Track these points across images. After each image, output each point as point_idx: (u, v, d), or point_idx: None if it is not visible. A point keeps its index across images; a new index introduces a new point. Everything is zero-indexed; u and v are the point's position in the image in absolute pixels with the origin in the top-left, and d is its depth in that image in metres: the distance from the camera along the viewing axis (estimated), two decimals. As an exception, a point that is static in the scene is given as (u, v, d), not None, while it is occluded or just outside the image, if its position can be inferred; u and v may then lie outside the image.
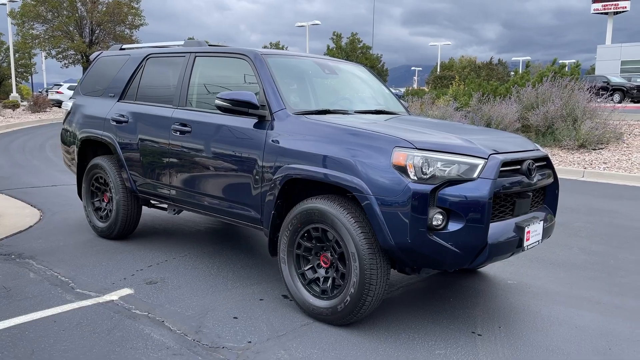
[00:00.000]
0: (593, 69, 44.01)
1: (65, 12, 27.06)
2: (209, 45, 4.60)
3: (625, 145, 12.53)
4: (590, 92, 13.01)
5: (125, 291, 3.88)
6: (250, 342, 3.12)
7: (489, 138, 3.53)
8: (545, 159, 3.65)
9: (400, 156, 3.01)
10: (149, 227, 5.68)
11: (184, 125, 4.25)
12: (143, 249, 4.91)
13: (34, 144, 14.13)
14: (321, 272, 3.43)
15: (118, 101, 5.03)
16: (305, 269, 3.49)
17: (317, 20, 41.05)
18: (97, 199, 5.30)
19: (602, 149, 12.27)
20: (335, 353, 3.00)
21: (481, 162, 3.05)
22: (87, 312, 3.50)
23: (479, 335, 3.29)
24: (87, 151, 5.40)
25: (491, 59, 29.09)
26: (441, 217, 2.98)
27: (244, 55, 4.10)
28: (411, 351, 3.05)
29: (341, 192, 3.40)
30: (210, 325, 3.32)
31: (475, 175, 3.02)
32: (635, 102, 25.39)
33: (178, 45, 4.88)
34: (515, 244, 3.21)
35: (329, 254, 3.38)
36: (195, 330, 3.25)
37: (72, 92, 29.09)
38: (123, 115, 4.85)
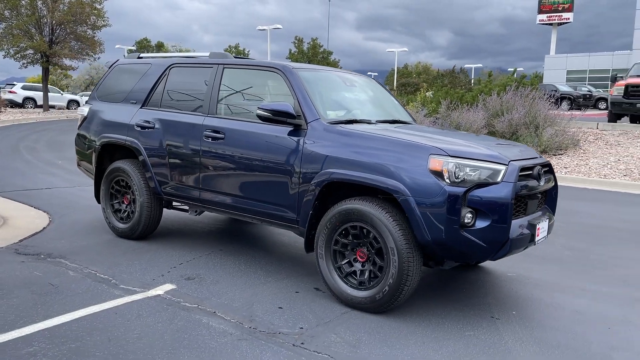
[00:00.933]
0: (539, 77, 46.04)
1: (24, 11, 26.40)
2: (236, 58, 4.94)
3: (582, 151, 13.47)
4: (549, 102, 13.93)
5: (168, 286, 4.17)
6: (302, 328, 3.49)
7: (502, 146, 4.03)
8: (548, 165, 4.18)
9: (436, 162, 3.46)
10: (164, 228, 5.93)
11: (217, 132, 4.58)
12: (167, 248, 5.18)
13: (6, 146, 13.91)
14: (357, 266, 3.83)
15: (141, 108, 5.29)
16: (342, 263, 3.88)
17: (277, 24, 41.31)
18: (117, 201, 5.53)
19: (562, 154, 13.16)
20: (380, 336, 3.41)
21: (503, 168, 3.53)
22: (142, 305, 3.78)
23: (497, 319, 3.77)
24: (106, 155, 5.62)
25: (454, 67, 30.39)
26: (471, 215, 3.44)
27: (276, 68, 4.47)
28: (444, 333, 3.49)
29: (373, 194, 3.82)
30: (260, 315, 3.67)
31: (499, 179, 3.49)
32: (579, 110, 26.93)
33: (202, 56, 5.19)
34: (528, 239, 3.71)
35: (365, 249, 3.78)
36: (248, 319, 3.59)
37: (26, 91, 28.34)
38: (148, 122, 5.12)
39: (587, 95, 32.71)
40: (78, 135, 5.90)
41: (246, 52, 50.33)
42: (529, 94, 13.85)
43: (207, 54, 5.18)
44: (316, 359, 3.09)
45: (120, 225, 5.45)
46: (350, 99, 4.78)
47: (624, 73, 17.70)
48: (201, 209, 4.97)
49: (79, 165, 6.06)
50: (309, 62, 42.67)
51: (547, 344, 3.39)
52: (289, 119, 4.09)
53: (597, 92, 35.10)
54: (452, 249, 3.49)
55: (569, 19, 26.94)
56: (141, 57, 5.81)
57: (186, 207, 5.30)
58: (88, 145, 5.73)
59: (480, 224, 3.45)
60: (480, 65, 67.15)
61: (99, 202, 5.74)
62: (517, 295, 4.30)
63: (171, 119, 4.99)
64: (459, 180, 3.43)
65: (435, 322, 3.67)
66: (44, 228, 5.83)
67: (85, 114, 5.81)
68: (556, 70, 46.52)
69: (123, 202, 5.49)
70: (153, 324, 3.47)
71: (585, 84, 39.75)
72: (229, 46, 49.27)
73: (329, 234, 3.89)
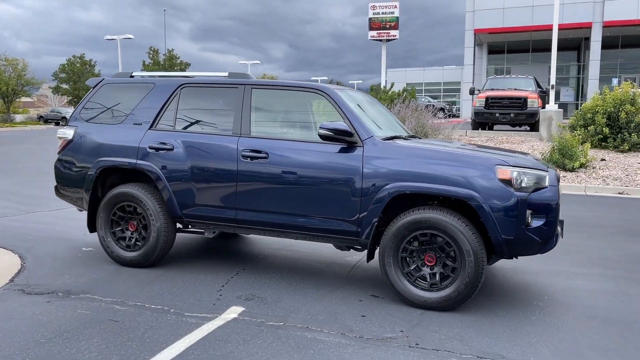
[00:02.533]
0: (413, 90, 49.86)
1: None
2: (263, 79, 5.02)
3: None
4: (432, 112, 15.46)
5: (237, 309, 4.14)
6: (402, 331, 3.77)
7: (526, 158, 4.68)
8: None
9: (504, 172, 3.98)
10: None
11: (257, 151, 4.62)
12: (187, 272, 5.04)
13: None
14: (426, 270, 4.20)
15: (150, 129, 5.08)
16: (411, 268, 4.23)
17: (128, 34, 39.39)
18: (119, 229, 5.22)
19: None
20: (472, 329, 3.82)
21: (546, 174, 4.17)
22: (234, 329, 3.75)
23: (540, 304, 4.39)
24: (102, 181, 5.27)
25: (331, 80, 31.76)
26: (530, 216, 4.02)
27: (319, 89, 4.67)
28: (516, 320, 4.01)
29: (439, 203, 4.24)
30: (353, 325, 3.87)
31: (546, 184, 4.12)
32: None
33: (218, 76, 5.16)
34: (561, 234, 4.41)
35: (434, 254, 4.17)
36: (348, 329, 3.78)
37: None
38: (165, 143, 4.95)
39: (431, 106, 36.34)
40: (60, 160, 5.43)
41: (92, 63, 47.17)
42: (417, 107, 15.23)
43: (225, 74, 5.16)
44: (442, 356, 3.41)
45: (127, 254, 5.15)
46: (375, 116, 5.12)
47: (457, 86, 20.12)
48: (233, 230, 4.93)
49: (59, 193, 5.56)
50: (166, 75, 41.46)
51: (588, 316, 4.09)
52: (347, 137, 4.34)
53: (437, 103, 39.16)
54: (517, 246, 4.04)
55: (395, 35, 30.07)
56: (134, 77, 5.54)
57: (199, 229, 5.20)
58: (77, 171, 5.31)
59: (536, 222, 4.05)
60: (326, 77, 70.46)
61: (92, 231, 5.35)
62: (529, 282, 4.99)
63: (195, 140, 4.90)
64: (522, 186, 4.00)
65: (499, 312, 4.18)
66: (23, 265, 5.26)
67: (70, 137, 5.38)
68: (397, 82, 50.74)
69: (128, 229, 5.20)
70: (267, 345, 3.50)
71: (422, 95, 43.93)
72: (73, 56, 45.71)
73: (397, 243, 4.20)
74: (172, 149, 4.93)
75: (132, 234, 5.19)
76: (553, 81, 16.61)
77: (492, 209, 3.95)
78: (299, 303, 4.29)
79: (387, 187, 4.20)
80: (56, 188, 5.57)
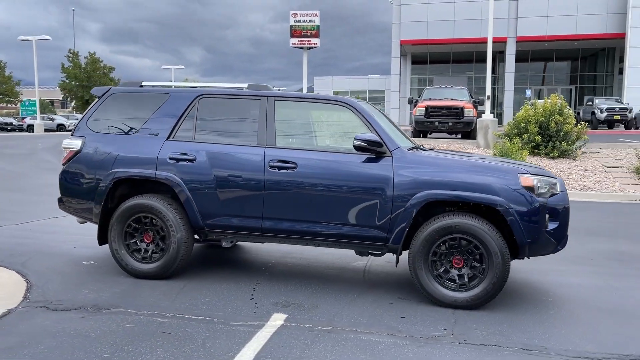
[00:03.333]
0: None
1: None
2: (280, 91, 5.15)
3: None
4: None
5: (280, 315, 4.25)
6: (445, 329, 4.05)
7: (535, 167, 5.10)
8: None
9: (527, 180, 4.38)
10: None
11: (285, 162, 4.75)
12: (211, 282, 5.05)
13: None
14: (454, 272, 4.52)
15: (168, 140, 5.06)
16: (440, 271, 4.52)
17: (45, 35, 37.36)
18: (133, 240, 5.14)
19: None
20: (506, 325, 4.17)
21: (557, 181, 4.63)
22: (289, 335, 3.86)
23: (549, 299, 4.83)
24: (114, 192, 5.17)
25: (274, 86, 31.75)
26: (548, 219, 4.44)
27: (345, 103, 4.89)
28: (538, 316, 4.40)
29: (466, 209, 4.57)
30: (397, 325, 4.10)
31: (558, 190, 4.57)
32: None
33: (236, 88, 5.23)
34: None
35: (462, 256, 4.49)
36: (396, 330, 4.00)
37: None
38: (186, 154, 4.95)
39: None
40: (67, 172, 5.26)
41: (2, 65, 44.10)
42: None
43: (244, 85, 5.24)
44: (492, 349, 3.71)
45: (144, 266, 5.08)
46: (390, 126, 5.38)
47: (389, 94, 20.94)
48: (257, 239, 5.01)
49: (64, 205, 5.37)
50: (89, 78, 39.59)
51: (595, 308, 4.57)
52: (378, 148, 4.58)
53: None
54: (537, 248, 4.45)
55: (316, 43, 30.73)
56: (143, 86, 5.47)
57: (216, 239, 5.22)
58: (86, 183, 5.17)
59: (552, 225, 4.48)
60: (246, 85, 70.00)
61: (101, 243, 5.22)
62: (532, 280, 5.45)
63: (220, 150, 4.94)
64: (541, 192, 4.42)
65: (520, 308, 4.56)
66: (29, 282, 5.03)
67: (78, 148, 5.23)
68: (324, 90, 51.60)
69: (143, 241, 5.13)
70: (331, 348, 3.66)
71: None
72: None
73: (428, 247, 4.48)
74: (194, 160, 4.94)
75: (147, 245, 5.13)
76: (489, 92, 17.69)
77: (518, 213, 4.33)
78: (336, 308, 4.46)
79: (418, 195, 4.47)
80: (60, 200, 5.38)
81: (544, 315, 4.39)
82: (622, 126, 29.14)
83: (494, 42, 36.50)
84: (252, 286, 4.98)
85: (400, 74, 39.82)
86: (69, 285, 4.92)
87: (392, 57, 39.30)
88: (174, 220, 4.98)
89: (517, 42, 36.39)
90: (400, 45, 38.44)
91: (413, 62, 42.31)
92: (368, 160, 4.66)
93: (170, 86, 5.48)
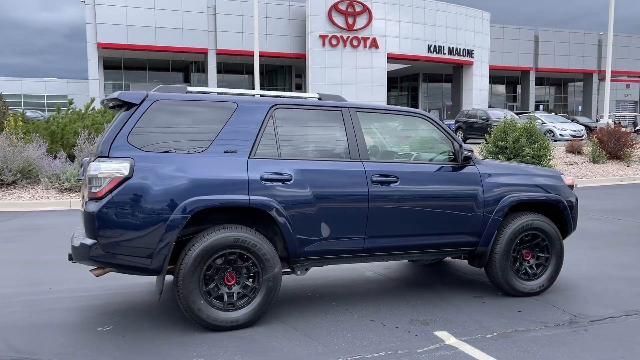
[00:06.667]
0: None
1: None
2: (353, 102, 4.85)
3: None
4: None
5: (443, 333, 4.15)
6: (566, 315, 4.65)
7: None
8: None
9: (568, 179, 5.34)
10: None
11: (387, 175, 4.56)
12: (313, 317, 4.42)
13: None
14: (525, 264, 5.14)
15: (250, 158, 4.21)
16: (519, 266, 5.08)
17: None
18: (213, 285, 4.10)
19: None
20: (590, 305, 5.02)
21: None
22: (489, 346, 3.89)
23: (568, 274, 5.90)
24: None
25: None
26: (572, 210, 5.50)
27: (420, 114, 4.94)
28: (584, 294, 5.39)
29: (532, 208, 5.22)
30: (533, 318, 4.50)
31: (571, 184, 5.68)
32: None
33: (307, 97, 4.67)
34: None
35: (529, 250, 5.14)
36: (538, 323, 4.40)
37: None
38: (281, 174, 4.23)
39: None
40: (112, 206, 3.80)
41: None
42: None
43: (315, 95, 4.71)
44: (609, 328, 4.41)
45: (231, 315, 4.11)
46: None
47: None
48: (356, 260, 4.61)
49: (99, 252, 3.83)
50: None
51: (605, 278, 5.86)
52: (472, 157, 4.87)
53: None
54: (570, 232, 5.44)
55: None
56: (191, 92, 4.32)
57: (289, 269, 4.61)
58: (147, 218, 3.85)
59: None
60: None
61: (184, 297, 4.00)
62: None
63: (315, 167, 4.37)
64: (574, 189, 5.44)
65: (568, 290, 5.47)
66: None
67: (127, 173, 3.84)
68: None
69: (224, 284, 4.14)
70: (539, 350, 3.87)
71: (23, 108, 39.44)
72: None
73: (509, 246, 4.97)
74: (289, 179, 4.26)
75: (229, 289, 4.16)
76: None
77: (569, 208, 5.24)
78: (463, 317, 4.54)
79: (505, 198, 4.93)
80: (95, 248, 3.84)
81: (588, 294, 5.42)
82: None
83: (196, 52, 37.57)
84: (357, 313, 4.59)
85: (98, 79, 36.85)
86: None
87: (88, 60, 36.05)
88: (271, 253, 4.20)
89: (217, 54, 37.94)
90: (97, 47, 35.62)
91: (106, 68, 39.70)
92: (457, 169, 4.88)
93: (229, 93, 4.51)
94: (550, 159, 16.00)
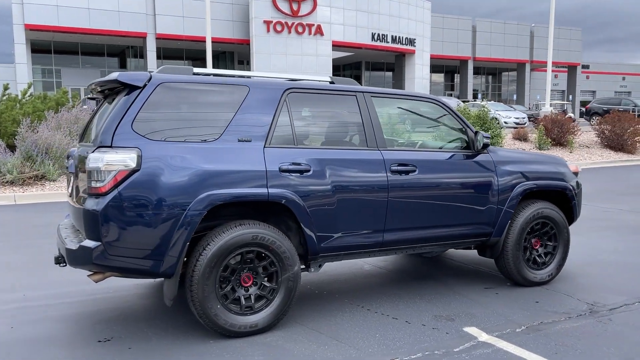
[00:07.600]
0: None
1: None
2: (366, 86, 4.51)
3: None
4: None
5: (474, 329, 3.96)
6: (584, 304, 4.58)
7: None
8: None
9: (574, 167, 5.27)
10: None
11: (405, 165, 4.30)
12: (334, 316, 4.11)
13: None
14: (534, 253, 5.04)
15: (266, 147, 3.83)
16: (529, 255, 4.96)
17: None
18: (229, 287, 3.71)
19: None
20: (604, 293, 4.97)
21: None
22: (532, 343, 3.74)
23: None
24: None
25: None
26: (574, 196, 5.46)
27: (433, 99, 4.69)
28: (600, 281, 5.35)
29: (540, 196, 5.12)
30: (552, 308, 4.40)
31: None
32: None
33: (318, 81, 4.31)
34: None
35: (538, 239, 5.04)
36: (559, 313, 4.31)
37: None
38: (299, 164, 3.87)
39: None
40: (119, 202, 3.32)
41: None
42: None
43: (326, 78, 4.34)
44: (630, 316, 4.40)
45: (250, 319, 3.75)
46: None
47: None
48: (372, 255, 4.33)
49: (102, 255, 3.34)
50: None
51: (611, 264, 5.88)
52: (488, 144, 4.69)
53: None
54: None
55: None
56: (198, 74, 3.87)
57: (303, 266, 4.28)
58: (156, 215, 3.40)
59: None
60: None
61: (199, 302, 3.58)
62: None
63: (334, 156, 4.04)
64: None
65: (578, 279, 5.43)
66: None
67: (134, 165, 3.37)
68: None
69: (240, 286, 3.76)
70: (576, 341, 3.76)
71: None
72: None
73: (521, 236, 4.85)
74: (308, 170, 3.91)
75: (246, 290, 3.78)
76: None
77: (575, 195, 5.19)
78: (485, 310, 4.37)
79: (518, 186, 4.79)
80: (100, 251, 3.35)
81: (606, 281, 5.40)
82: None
83: (134, 36, 35.87)
84: (375, 310, 4.32)
85: (27, 63, 34.49)
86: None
87: (15, 42, 33.66)
88: (291, 251, 3.85)
89: (156, 38, 36.41)
90: (25, 29, 33.32)
91: (34, 51, 37.24)
92: (472, 156, 4.69)
93: (238, 75, 4.08)
94: (501, 146, 16.47)
